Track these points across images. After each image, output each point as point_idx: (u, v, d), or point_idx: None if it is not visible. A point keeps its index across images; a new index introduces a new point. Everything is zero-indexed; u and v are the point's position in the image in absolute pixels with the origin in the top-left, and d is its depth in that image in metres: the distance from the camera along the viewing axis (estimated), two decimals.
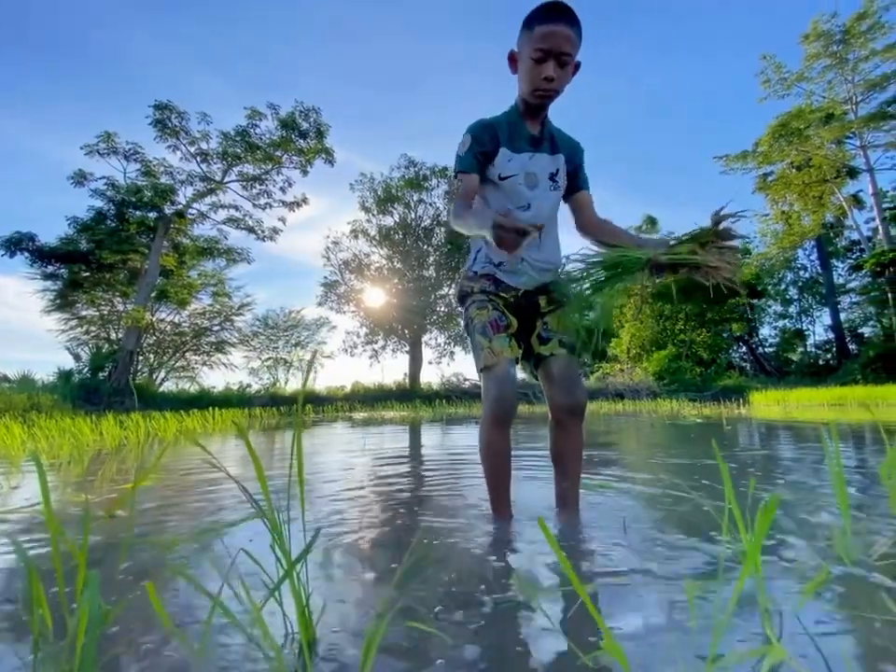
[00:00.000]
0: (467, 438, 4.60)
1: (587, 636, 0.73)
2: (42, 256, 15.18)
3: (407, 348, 21.19)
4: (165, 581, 1.02)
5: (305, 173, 17.36)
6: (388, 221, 21.57)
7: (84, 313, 17.00)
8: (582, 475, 1.48)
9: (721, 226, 1.16)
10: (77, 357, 14.96)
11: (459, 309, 1.58)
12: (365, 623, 0.79)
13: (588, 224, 1.49)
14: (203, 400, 13.04)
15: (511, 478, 1.42)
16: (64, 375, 12.83)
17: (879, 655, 0.64)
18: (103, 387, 12.60)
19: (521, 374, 1.58)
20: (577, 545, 1.20)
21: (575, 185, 1.50)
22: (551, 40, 1.23)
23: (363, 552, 1.20)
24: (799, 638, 0.70)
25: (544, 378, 1.44)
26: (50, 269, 15.69)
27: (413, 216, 21.48)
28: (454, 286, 21.93)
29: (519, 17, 1.29)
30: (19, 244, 14.76)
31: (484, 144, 1.37)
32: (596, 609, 0.52)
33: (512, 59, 1.35)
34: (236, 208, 17.21)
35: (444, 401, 14.64)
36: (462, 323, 1.53)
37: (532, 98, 1.34)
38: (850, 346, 22.26)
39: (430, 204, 21.33)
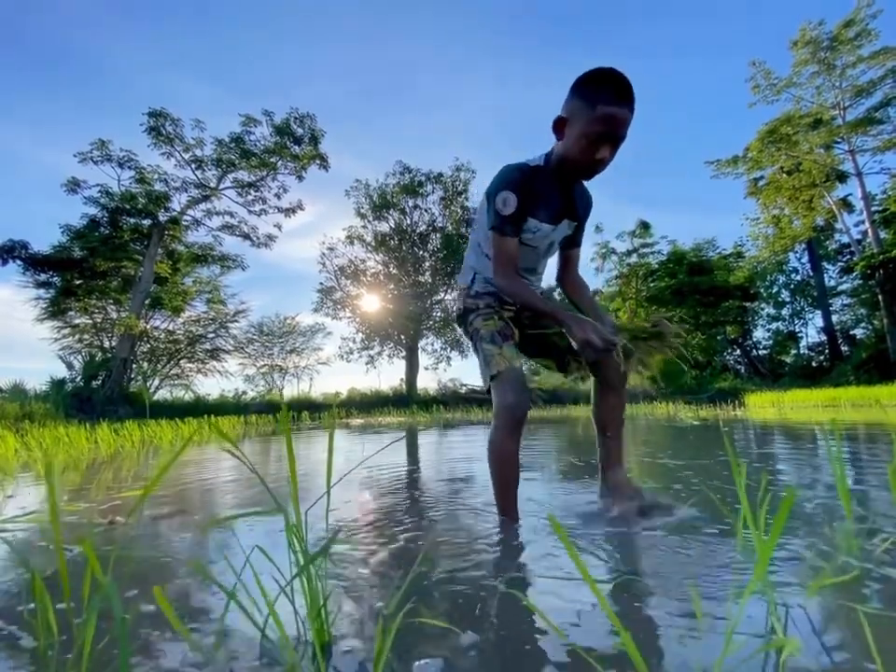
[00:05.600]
0: (467, 442, 4.60)
1: (598, 633, 0.73)
2: (35, 263, 15.06)
3: (403, 354, 21.16)
4: (174, 585, 1.01)
5: (300, 178, 17.38)
6: (384, 227, 21.63)
7: (77, 321, 16.84)
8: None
9: (657, 327, 1.30)
10: (69, 366, 14.78)
11: (459, 328, 1.60)
12: (377, 626, 0.78)
13: (569, 282, 1.57)
14: (199, 408, 12.95)
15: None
16: (57, 384, 12.69)
17: (882, 648, 0.65)
18: (96, 396, 12.47)
19: None
20: (588, 542, 1.20)
21: (573, 241, 1.54)
22: (613, 125, 1.15)
23: (372, 554, 1.19)
24: (806, 632, 0.71)
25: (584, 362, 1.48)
26: (43, 277, 15.56)
27: (408, 221, 21.54)
28: (450, 291, 21.97)
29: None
30: (11, 251, 14.64)
31: (522, 208, 1.31)
32: (608, 605, 0.52)
33: (560, 125, 1.24)
34: (231, 215, 17.20)
35: (441, 407, 14.60)
36: (469, 338, 1.54)
37: (578, 174, 1.29)
38: (843, 348, 22.47)
39: (426, 210, 21.41)
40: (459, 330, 1.61)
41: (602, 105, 1.13)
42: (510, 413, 1.33)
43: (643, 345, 1.32)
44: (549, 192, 1.33)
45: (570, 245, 1.53)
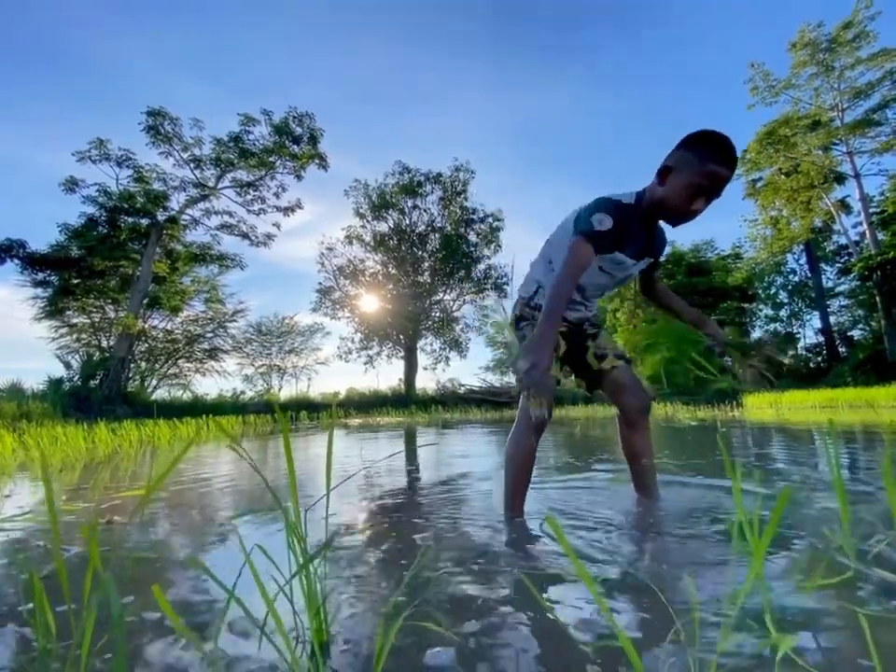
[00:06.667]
0: (466, 441, 4.60)
1: (596, 632, 0.74)
2: (33, 262, 15.03)
3: (402, 354, 21.16)
4: (173, 584, 1.01)
5: (299, 178, 17.38)
6: (383, 227, 21.65)
7: (75, 320, 16.82)
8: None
9: (765, 346, 1.40)
10: (67, 365, 14.73)
11: (510, 333, 1.70)
12: (376, 625, 0.79)
13: (660, 293, 1.68)
14: (197, 408, 12.94)
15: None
16: (54, 383, 12.65)
17: (877, 648, 0.65)
18: (94, 395, 12.45)
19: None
20: (590, 541, 1.20)
21: (654, 267, 1.63)
22: (717, 183, 1.24)
23: (372, 553, 1.19)
24: (801, 631, 0.71)
25: (612, 387, 1.61)
26: (41, 276, 15.53)
27: (407, 221, 21.55)
28: (449, 291, 22.00)
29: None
30: (9, 250, 14.61)
31: (614, 239, 1.34)
32: (605, 604, 0.53)
33: (665, 173, 1.31)
34: (230, 214, 17.19)
35: (440, 407, 14.61)
36: (518, 342, 1.64)
37: (670, 219, 1.36)
38: (840, 349, 22.53)
39: (425, 210, 21.43)
40: (512, 336, 1.72)
41: (711, 162, 1.22)
42: (531, 416, 1.40)
43: (751, 361, 1.43)
44: (637, 231, 1.41)
45: (652, 270, 1.63)
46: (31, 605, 0.89)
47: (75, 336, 16.90)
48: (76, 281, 15.70)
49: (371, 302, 21.28)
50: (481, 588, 0.93)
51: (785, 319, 27.63)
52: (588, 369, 1.63)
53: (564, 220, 1.52)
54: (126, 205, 14.99)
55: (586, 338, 1.63)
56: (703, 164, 1.23)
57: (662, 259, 1.69)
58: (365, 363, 21.34)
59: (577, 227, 1.35)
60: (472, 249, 21.37)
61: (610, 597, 0.87)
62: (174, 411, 11.34)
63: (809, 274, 24.30)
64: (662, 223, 1.47)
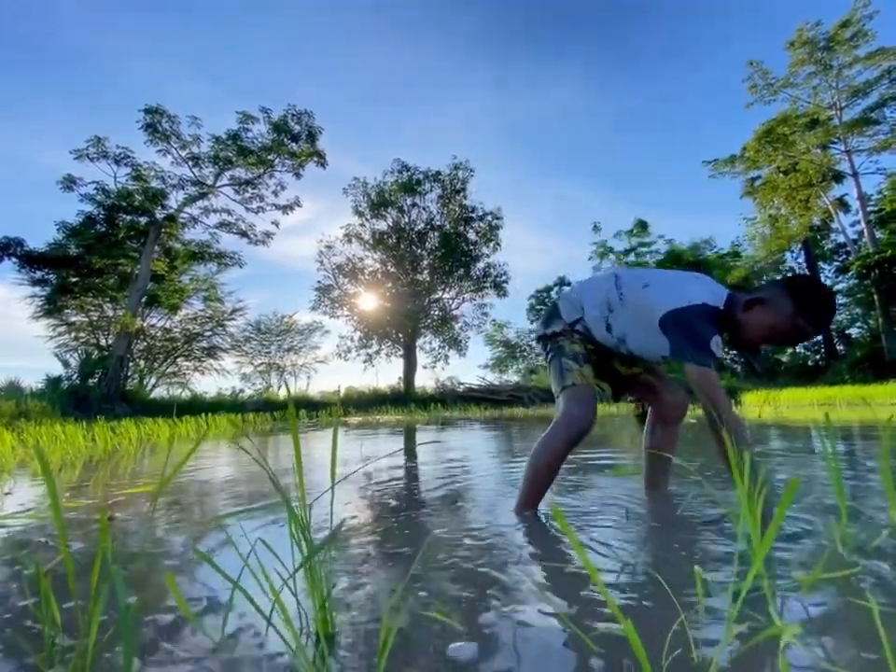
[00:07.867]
0: (466, 438, 4.60)
1: (601, 623, 0.74)
2: (30, 261, 14.97)
3: (401, 352, 21.15)
4: (177, 578, 1.01)
5: (298, 176, 17.34)
6: (382, 225, 21.59)
7: (73, 318, 16.75)
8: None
9: None
10: (65, 364, 14.70)
11: (537, 343, 1.70)
12: (381, 616, 0.79)
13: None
14: (196, 406, 12.93)
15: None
16: (53, 382, 12.62)
17: (875, 641, 0.66)
18: (92, 394, 12.42)
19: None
20: (596, 534, 1.21)
21: None
22: (797, 339, 1.27)
23: (376, 545, 1.20)
24: (802, 623, 0.72)
25: (645, 388, 1.62)
26: (39, 274, 15.46)
27: (406, 220, 21.51)
28: (448, 290, 21.99)
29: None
30: (6, 249, 14.56)
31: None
32: (610, 595, 0.53)
33: (756, 303, 1.31)
34: (228, 212, 17.15)
35: (439, 405, 14.62)
36: (546, 351, 1.64)
37: (738, 342, 1.37)
38: (838, 347, 22.58)
39: (424, 209, 21.37)
40: (538, 346, 1.72)
41: (804, 321, 1.23)
42: (572, 423, 1.43)
43: None
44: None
45: None
46: (35, 600, 0.90)
47: (73, 334, 16.85)
48: (74, 279, 15.65)
49: (370, 301, 21.27)
50: (486, 579, 0.94)
51: None
52: (615, 374, 1.64)
53: (647, 287, 1.44)
54: (124, 203, 14.94)
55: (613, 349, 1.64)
56: (794, 317, 1.22)
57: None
58: (364, 361, 21.33)
59: (695, 348, 1.31)
60: (471, 248, 21.34)
61: (616, 589, 0.88)
62: (173, 409, 11.32)
63: (808, 273, 24.35)
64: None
